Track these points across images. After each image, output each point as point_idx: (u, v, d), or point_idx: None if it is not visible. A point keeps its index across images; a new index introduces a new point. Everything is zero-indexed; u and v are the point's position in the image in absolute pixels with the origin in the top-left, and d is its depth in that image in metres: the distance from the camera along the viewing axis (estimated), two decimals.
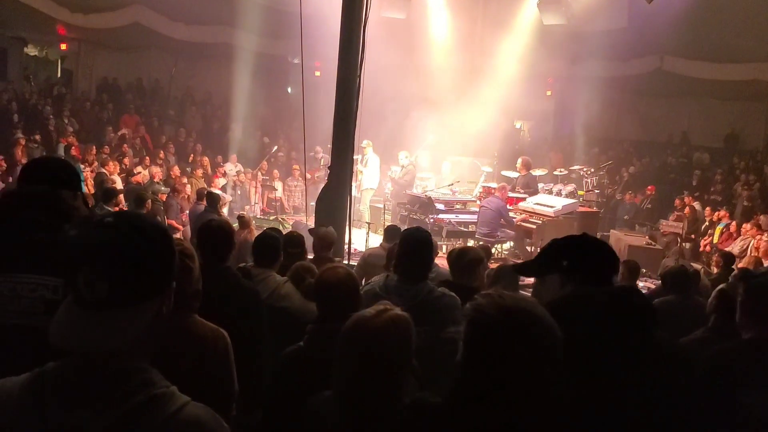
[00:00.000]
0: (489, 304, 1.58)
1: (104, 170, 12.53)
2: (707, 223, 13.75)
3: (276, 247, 4.37)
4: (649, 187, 16.04)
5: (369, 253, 7.03)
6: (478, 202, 12.01)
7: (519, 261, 10.36)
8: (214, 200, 10.12)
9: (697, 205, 14.49)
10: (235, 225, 8.22)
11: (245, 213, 11.85)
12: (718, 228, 13.07)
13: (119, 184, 12.37)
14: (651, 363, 2.19)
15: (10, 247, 2.15)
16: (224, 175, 15.29)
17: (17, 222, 2.20)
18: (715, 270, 8.95)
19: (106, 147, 14.64)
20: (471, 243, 11.16)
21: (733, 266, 8.67)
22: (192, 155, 16.11)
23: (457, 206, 12.10)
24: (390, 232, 7.14)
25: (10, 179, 12.28)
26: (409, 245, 3.62)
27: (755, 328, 2.95)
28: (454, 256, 4.44)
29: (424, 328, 3.36)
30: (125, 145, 15.08)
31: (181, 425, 1.31)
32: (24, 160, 12.93)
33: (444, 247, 10.31)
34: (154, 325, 1.37)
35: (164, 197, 12.04)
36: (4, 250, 2.15)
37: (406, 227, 11.16)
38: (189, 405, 1.35)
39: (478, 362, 1.55)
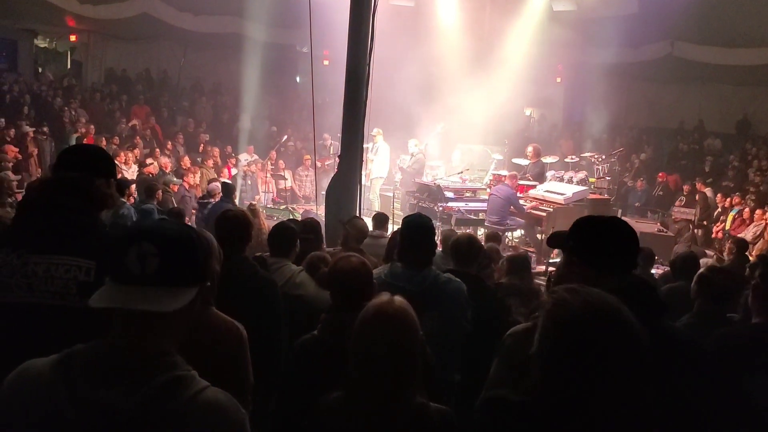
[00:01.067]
0: (574, 300, 1.52)
1: (116, 162, 12.58)
2: (719, 210, 13.68)
3: (292, 237, 4.38)
4: (660, 174, 15.96)
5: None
6: (488, 190, 11.99)
7: (530, 249, 10.36)
8: (229, 190, 10.14)
9: (708, 191, 14.41)
10: None
11: (255, 203, 11.87)
12: (731, 214, 13.01)
13: (131, 175, 12.43)
14: (658, 356, 2.15)
15: (45, 229, 2.20)
16: (235, 165, 15.34)
17: (53, 205, 2.25)
18: (728, 256, 8.89)
19: (116, 138, 14.70)
20: (481, 231, 11.16)
21: (747, 252, 8.61)
22: (202, 145, 16.14)
23: (467, 194, 12.06)
24: (378, 219, 7.10)
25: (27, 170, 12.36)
26: (411, 232, 3.60)
27: (766, 313, 2.95)
28: (455, 245, 4.43)
29: (433, 313, 3.37)
30: (137, 137, 15.14)
31: (201, 406, 1.35)
32: (35, 152, 13.01)
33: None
34: (186, 313, 1.43)
35: (176, 188, 12.08)
36: (39, 231, 2.20)
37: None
38: (209, 388, 1.40)
39: (561, 359, 1.49)
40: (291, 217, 13.48)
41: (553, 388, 1.49)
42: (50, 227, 2.21)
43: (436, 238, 3.87)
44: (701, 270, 3.83)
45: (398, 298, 2.20)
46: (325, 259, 4.37)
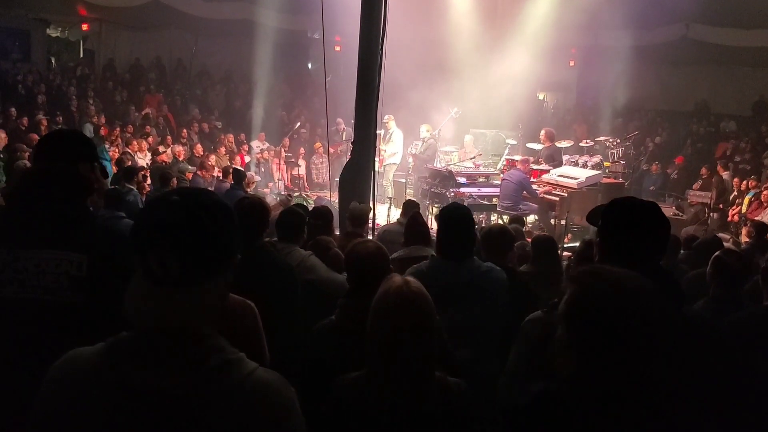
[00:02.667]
0: (598, 282, 1.48)
1: (128, 150, 12.64)
2: (735, 193, 13.57)
3: (300, 222, 4.36)
4: (678, 158, 15.84)
5: (385, 230, 6.99)
6: (502, 175, 11.96)
7: (545, 233, 10.32)
8: (240, 177, 10.16)
9: (725, 174, 14.29)
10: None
11: (290, 196, 11.86)
12: (747, 197, 12.88)
13: (145, 164, 12.48)
14: (680, 343, 2.13)
15: (33, 224, 2.15)
16: (248, 152, 15.37)
17: (39, 198, 2.20)
18: (745, 240, 8.81)
19: (130, 126, 14.75)
20: (494, 217, 11.15)
21: (767, 236, 8.50)
22: (219, 135, 16.18)
23: (481, 180, 12.04)
24: (408, 206, 7.10)
25: None
26: (450, 223, 3.55)
27: None
28: (487, 236, 4.39)
29: (481, 304, 3.34)
30: (148, 125, 15.19)
31: (253, 387, 1.37)
32: None
33: None
34: (219, 295, 1.44)
35: (190, 176, 12.13)
36: (27, 225, 2.16)
37: (426, 202, 11.23)
38: (259, 369, 1.41)
39: (593, 347, 1.44)
40: (305, 204, 13.55)
41: (589, 377, 1.45)
42: (38, 220, 2.16)
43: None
44: (716, 253, 3.80)
45: (412, 279, 2.22)
46: (330, 242, 4.45)
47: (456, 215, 3.58)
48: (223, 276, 1.43)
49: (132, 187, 8.57)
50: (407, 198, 12.12)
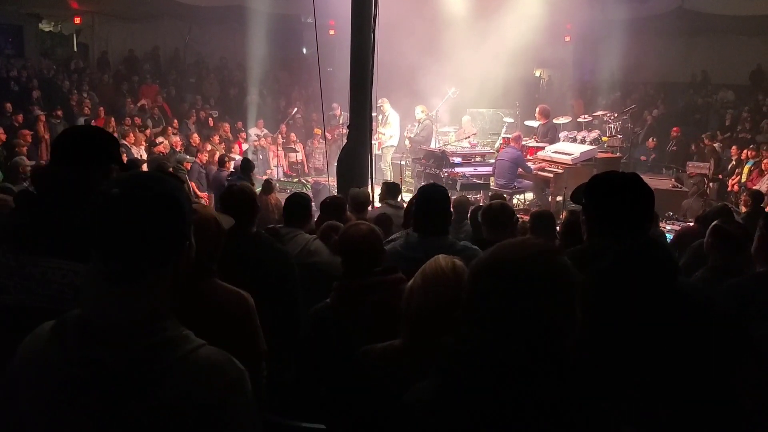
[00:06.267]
0: (484, 253, 1.53)
1: (125, 142, 12.62)
2: (733, 163, 13.57)
3: (306, 208, 4.41)
4: (674, 129, 15.80)
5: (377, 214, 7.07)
6: (497, 153, 11.96)
7: (543, 209, 10.35)
8: (248, 167, 10.19)
9: (717, 146, 14.28)
10: (258, 189, 8.36)
11: (272, 179, 11.89)
12: (746, 167, 12.88)
13: (143, 155, 12.49)
14: (670, 314, 2.13)
15: (41, 229, 2.13)
16: (245, 140, 15.35)
17: (47, 205, 2.18)
18: (743, 209, 8.83)
19: (128, 119, 14.71)
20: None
21: (763, 204, 8.53)
22: (211, 120, 16.13)
23: (477, 159, 12.04)
24: (390, 189, 7.31)
25: (38, 155, 12.42)
26: (425, 202, 3.65)
27: None
28: (487, 213, 4.40)
29: None
30: (146, 116, 15.16)
31: (194, 364, 1.38)
32: (47, 136, 13.03)
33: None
34: (168, 279, 1.45)
35: (189, 165, 12.12)
36: (35, 231, 2.13)
37: (422, 182, 11.27)
38: (204, 347, 1.42)
39: (477, 314, 1.49)
40: (303, 189, 13.58)
41: (476, 340, 1.47)
42: (46, 227, 2.13)
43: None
44: (715, 222, 3.79)
45: (457, 259, 2.21)
46: (338, 227, 4.42)
47: (432, 193, 3.70)
48: (171, 266, 1.44)
49: None
50: (404, 180, 12.23)
